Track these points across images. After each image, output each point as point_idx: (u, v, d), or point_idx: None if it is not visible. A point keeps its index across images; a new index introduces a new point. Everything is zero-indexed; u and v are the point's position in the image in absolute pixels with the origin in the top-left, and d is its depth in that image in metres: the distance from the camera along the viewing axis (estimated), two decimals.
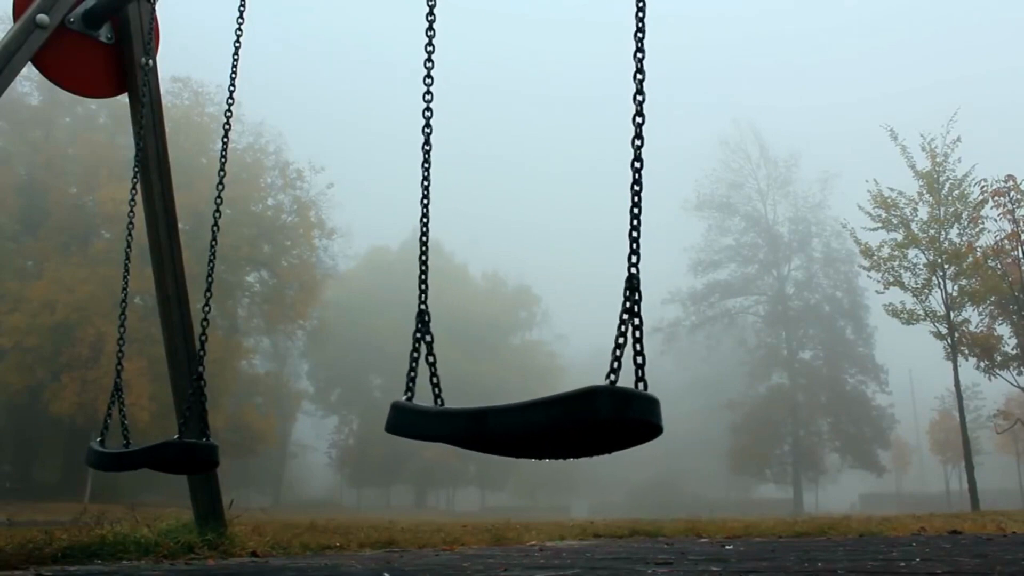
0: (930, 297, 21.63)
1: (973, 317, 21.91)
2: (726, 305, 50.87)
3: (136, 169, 4.23)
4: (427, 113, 2.47)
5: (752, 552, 4.32)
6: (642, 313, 1.82)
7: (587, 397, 1.69)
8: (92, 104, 31.34)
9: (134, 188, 4.12)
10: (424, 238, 2.42)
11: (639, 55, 2.01)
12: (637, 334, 1.79)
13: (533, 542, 5.91)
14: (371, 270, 57.34)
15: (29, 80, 28.46)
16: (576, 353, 60.67)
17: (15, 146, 32.32)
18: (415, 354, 2.20)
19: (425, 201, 2.47)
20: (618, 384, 1.73)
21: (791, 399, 47.35)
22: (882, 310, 22.90)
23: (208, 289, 3.59)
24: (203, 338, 3.52)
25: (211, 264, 3.60)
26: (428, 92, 2.49)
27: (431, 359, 2.23)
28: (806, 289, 50.73)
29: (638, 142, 1.95)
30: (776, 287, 50.73)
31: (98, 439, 3.66)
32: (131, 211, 4.03)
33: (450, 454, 43.40)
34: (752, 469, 48.29)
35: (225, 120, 3.83)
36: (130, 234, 4.07)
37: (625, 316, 1.79)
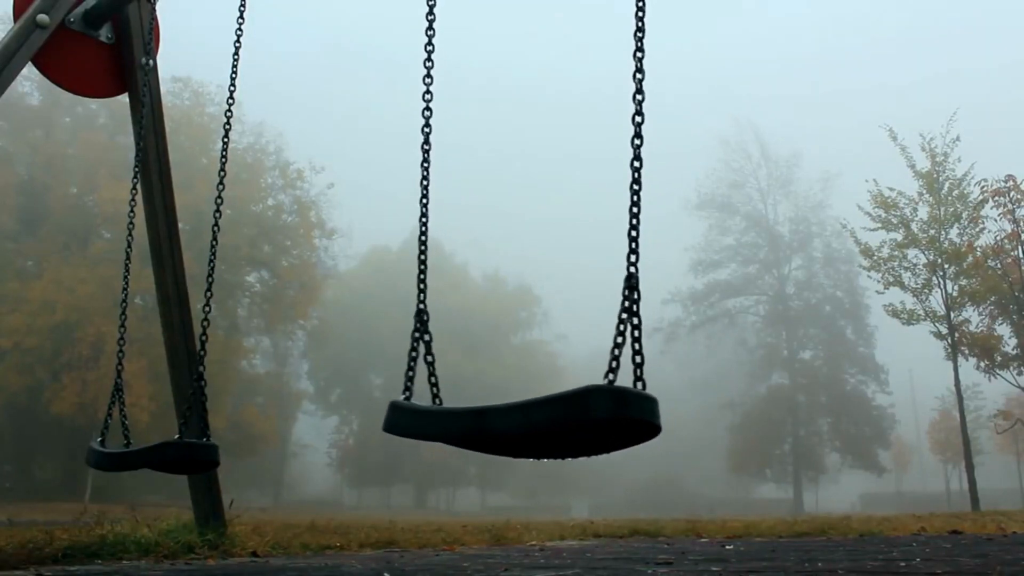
0: (930, 297, 21.62)
1: (973, 317, 21.92)
2: (726, 305, 50.91)
3: (136, 169, 4.22)
4: (427, 112, 2.46)
5: (752, 552, 4.32)
6: (641, 313, 1.81)
7: (584, 396, 1.67)
8: (92, 104, 31.34)
9: (134, 188, 4.11)
10: (423, 237, 2.41)
11: (639, 54, 2.01)
12: (636, 333, 1.78)
13: (533, 542, 5.91)
14: (371, 270, 57.36)
15: (29, 80, 28.45)
16: (576, 353, 60.68)
17: (15, 146, 32.32)
18: (413, 353, 2.18)
19: (424, 201, 2.46)
20: (617, 383, 1.72)
21: (791, 399, 47.36)
22: (882, 310, 22.92)
23: (208, 289, 3.58)
24: (203, 338, 3.51)
25: (211, 264, 3.60)
26: (428, 92, 2.48)
27: (429, 358, 2.21)
28: (807, 289, 50.72)
29: (637, 141, 1.94)
30: (776, 287, 50.73)
31: (98, 439, 3.65)
32: (131, 211, 4.02)
33: (450, 454, 43.38)
34: (752, 469, 48.35)
35: (225, 120, 3.81)
36: (130, 234, 4.06)
37: (624, 315, 1.78)
